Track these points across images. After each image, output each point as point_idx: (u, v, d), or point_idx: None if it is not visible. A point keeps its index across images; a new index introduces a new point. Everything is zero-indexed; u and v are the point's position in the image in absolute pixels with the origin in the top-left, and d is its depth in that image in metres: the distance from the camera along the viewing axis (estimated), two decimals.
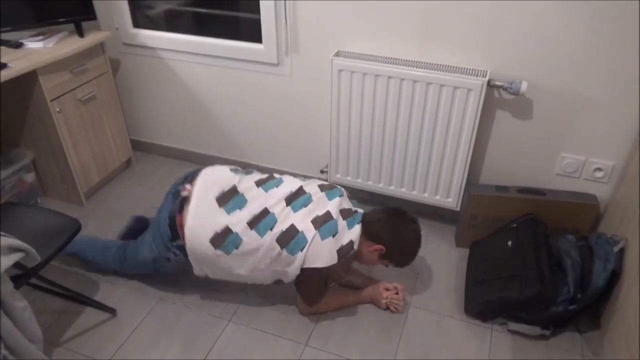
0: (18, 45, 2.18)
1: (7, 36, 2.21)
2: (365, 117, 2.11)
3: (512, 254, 1.89)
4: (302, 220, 1.68)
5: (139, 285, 2.01)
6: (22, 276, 1.50)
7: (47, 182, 2.47)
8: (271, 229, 1.66)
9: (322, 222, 1.67)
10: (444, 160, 2.09)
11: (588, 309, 1.76)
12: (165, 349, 1.76)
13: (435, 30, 1.94)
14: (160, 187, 2.61)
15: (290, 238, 1.65)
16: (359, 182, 2.31)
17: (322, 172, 2.40)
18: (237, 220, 1.66)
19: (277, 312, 1.91)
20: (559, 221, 2.00)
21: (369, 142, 2.17)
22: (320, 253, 1.64)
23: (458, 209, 2.18)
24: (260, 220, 1.67)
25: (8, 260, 1.33)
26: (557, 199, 1.99)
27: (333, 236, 1.66)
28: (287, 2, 2.08)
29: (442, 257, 2.18)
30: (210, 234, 1.65)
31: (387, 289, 1.91)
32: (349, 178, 2.31)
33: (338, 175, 2.33)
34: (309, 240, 1.64)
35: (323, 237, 1.65)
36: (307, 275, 1.69)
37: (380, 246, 1.76)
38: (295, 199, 1.73)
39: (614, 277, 1.70)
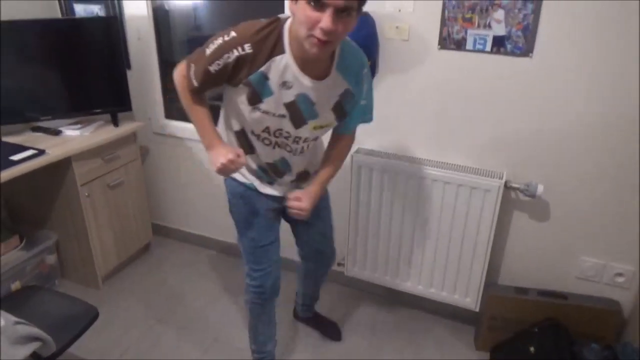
0: (57, 132, 2.32)
1: (48, 124, 2.35)
2: (384, 213, 2.14)
3: None
4: None
5: None
6: None
7: (66, 264, 2.50)
8: None
9: None
10: (462, 259, 2.08)
11: None
12: None
13: (452, 133, 2.03)
14: (177, 273, 2.61)
15: None
16: (376, 277, 2.29)
17: (339, 264, 2.39)
18: None
19: None
20: (581, 326, 1.94)
21: (387, 237, 2.18)
22: None
23: (477, 309, 2.14)
24: None
25: (25, 350, 1.33)
26: (579, 303, 1.95)
27: None
28: None
29: None
30: None
31: (231, 157, 1.38)
32: (366, 272, 2.31)
33: (355, 269, 2.32)
34: None
35: None
36: None
37: None
38: None
39: None
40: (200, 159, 2.63)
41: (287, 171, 1.64)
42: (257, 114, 1.43)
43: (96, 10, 2.48)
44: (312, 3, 1.15)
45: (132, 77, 2.54)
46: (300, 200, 1.56)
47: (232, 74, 1.36)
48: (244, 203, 1.68)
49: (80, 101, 2.39)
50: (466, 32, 1.85)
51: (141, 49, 2.53)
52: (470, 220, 2.00)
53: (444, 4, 1.84)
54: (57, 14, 2.57)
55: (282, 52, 1.32)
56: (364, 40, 1.77)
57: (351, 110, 1.52)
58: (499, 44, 1.82)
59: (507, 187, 1.97)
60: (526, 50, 1.79)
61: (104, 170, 2.37)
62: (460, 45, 1.88)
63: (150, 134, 2.70)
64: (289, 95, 1.39)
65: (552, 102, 1.83)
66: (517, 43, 1.79)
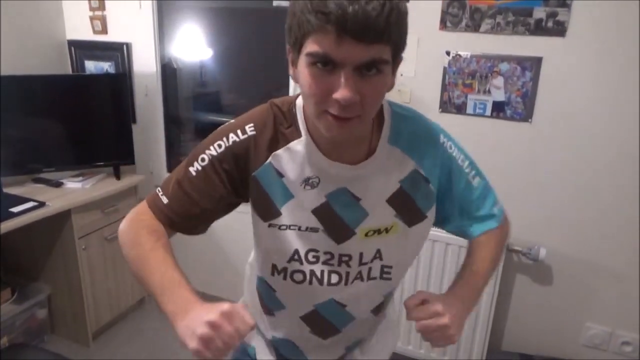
0: (58, 184, 2.31)
1: (50, 175, 2.36)
2: None
3: None
4: None
5: None
6: None
7: (57, 318, 2.42)
8: None
9: None
10: None
11: None
12: None
13: None
14: (170, 329, 2.53)
15: None
16: None
17: None
18: None
19: None
20: None
21: None
22: None
23: None
24: None
25: None
26: None
27: None
28: None
29: None
30: None
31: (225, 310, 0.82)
32: None
33: None
34: None
35: None
36: None
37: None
38: None
39: None
40: None
41: (342, 324, 1.01)
42: (276, 232, 0.93)
43: (106, 67, 2.55)
44: (318, 65, 0.73)
45: (137, 130, 2.57)
46: (439, 314, 0.86)
47: (228, 177, 0.91)
48: None
49: (84, 154, 2.41)
50: (466, 97, 1.89)
51: (148, 104, 2.58)
52: None
53: (444, 70, 1.90)
54: (68, 69, 2.64)
55: (299, 135, 0.88)
56: None
57: (429, 205, 0.96)
58: (498, 109, 1.86)
59: (509, 249, 1.95)
60: (526, 116, 1.83)
61: (103, 223, 2.35)
62: (460, 109, 1.92)
63: (151, 187, 2.69)
64: (318, 197, 0.90)
65: (552, 167, 1.85)
66: (516, 109, 1.83)
